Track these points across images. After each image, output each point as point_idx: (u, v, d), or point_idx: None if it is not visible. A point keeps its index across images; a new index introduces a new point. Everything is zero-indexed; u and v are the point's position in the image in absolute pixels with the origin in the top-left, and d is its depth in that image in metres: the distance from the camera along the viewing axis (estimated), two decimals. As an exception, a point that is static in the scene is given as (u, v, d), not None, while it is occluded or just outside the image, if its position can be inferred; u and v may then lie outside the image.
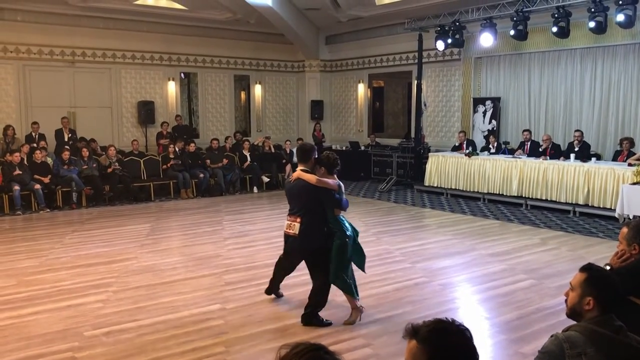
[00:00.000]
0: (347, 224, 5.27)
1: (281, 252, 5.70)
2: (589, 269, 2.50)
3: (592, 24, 10.36)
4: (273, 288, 5.82)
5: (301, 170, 5.22)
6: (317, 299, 5.18)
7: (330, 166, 5.23)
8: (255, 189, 13.91)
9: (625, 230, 3.24)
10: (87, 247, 8.14)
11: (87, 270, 6.92)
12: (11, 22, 13.10)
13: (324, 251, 5.14)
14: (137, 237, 8.77)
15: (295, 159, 12.93)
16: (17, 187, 10.84)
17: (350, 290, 5.20)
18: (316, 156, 5.30)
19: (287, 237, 5.31)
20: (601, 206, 10.01)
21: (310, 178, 5.12)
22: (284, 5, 13.74)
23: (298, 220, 5.16)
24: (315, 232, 5.15)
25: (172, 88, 15.65)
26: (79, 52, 14.13)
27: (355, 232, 5.40)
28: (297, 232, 5.16)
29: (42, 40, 13.54)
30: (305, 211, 5.15)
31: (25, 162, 11.52)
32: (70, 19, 13.67)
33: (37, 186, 11.08)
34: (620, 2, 9.83)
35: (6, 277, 6.62)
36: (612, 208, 9.56)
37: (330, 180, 5.19)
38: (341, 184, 5.33)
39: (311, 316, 5.14)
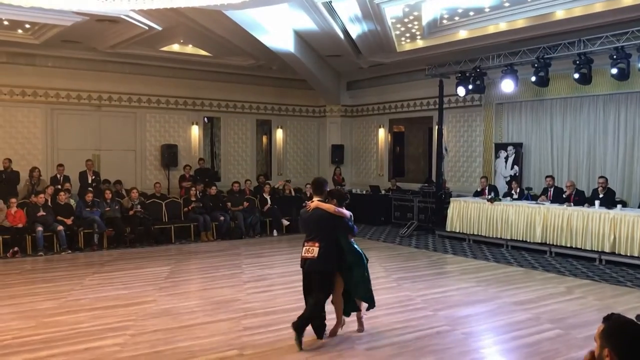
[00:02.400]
0: (357, 247, 6.02)
1: (301, 296, 6.09)
2: (608, 319, 2.34)
3: (614, 71, 10.34)
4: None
5: (318, 201, 5.88)
6: (312, 310, 5.72)
7: (341, 199, 6.00)
8: (275, 232, 13.88)
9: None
10: (106, 289, 8.13)
11: (105, 313, 6.88)
12: (42, 68, 13.55)
13: (333, 274, 5.85)
14: (156, 280, 8.74)
15: None
16: (40, 228, 10.96)
17: (371, 298, 5.99)
18: (328, 189, 6.07)
19: (306, 260, 5.85)
20: (628, 254, 9.75)
21: (329, 207, 5.80)
22: (306, 52, 13.98)
23: (317, 244, 5.76)
24: (332, 255, 5.79)
25: (195, 132, 15.90)
26: (105, 96, 14.49)
27: (366, 258, 6.03)
28: (316, 255, 5.73)
29: (70, 85, 13.94)
30: (322, 236, 5.78)
31: (50, 204, 11.68)
32: (98, 64, 14.08)
33: (60, 227, 11.20)
34: (643, 49, 9.83)
35: (25, 319, 6.61)
36: (640, 256, 9.32)
37: (344, 210, 5.91)
38: (351, 213, 6.03)
39: (302, 324, 5.62)
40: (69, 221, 11.53)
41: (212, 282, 8.67)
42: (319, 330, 5.84)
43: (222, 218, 13.11)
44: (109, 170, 14.10)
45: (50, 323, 6.44)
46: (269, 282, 8.64)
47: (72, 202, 12.19)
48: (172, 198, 13.81)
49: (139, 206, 12.51)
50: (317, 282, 5.80)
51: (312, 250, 5.75)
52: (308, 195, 14.73)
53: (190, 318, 6.68)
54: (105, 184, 13.30)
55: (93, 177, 13.40)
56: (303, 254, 5.84)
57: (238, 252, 11.34)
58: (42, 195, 11.48)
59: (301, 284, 6.01)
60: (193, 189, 13.48)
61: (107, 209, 12.11)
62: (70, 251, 11.21)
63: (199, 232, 12.91)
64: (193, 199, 13.30)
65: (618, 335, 2.24)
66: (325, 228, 5.78)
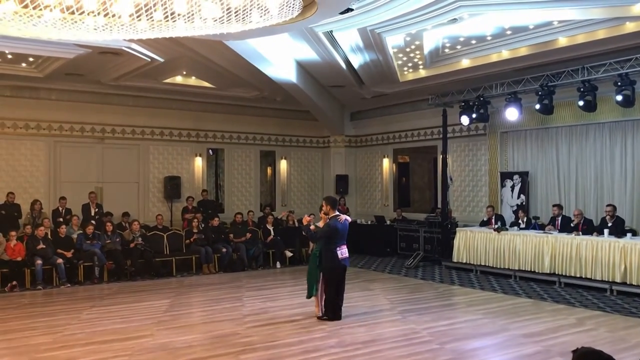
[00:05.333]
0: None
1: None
2: (574, 351, 2.50)
3: (619, 98, 10.25)
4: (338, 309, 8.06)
5: (339, 213, 8.04)
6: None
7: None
8: (278, 264, 13.66)
9: None
10: (104, 323, 7.94)
11: (100, 348, 6.68)
12: (45, 101, 13.57)
13: None
14: (155, 314, 8.54)
15: None
16: (39, 262, 10.82)
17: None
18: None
19: (341, 260, 7.86)
20: (640, 284, 9.49)
21: (348, 218, 8.23)
22: (309, 83, 13.99)
23: (345, 247, 7.94)
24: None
25: (199, 163, 15.84)
26: (108, 128, 14.49)
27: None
28: (346, 255, 7.96)
29: (74, 118, 13.96)
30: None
31: (50, 237, 11.56)
32: (101, 97, 14.10)
33: (60, 260, 11.05)
34: (647, 75, 9.74)
35: (17, 355, 6.42)
36: (653, 286, 9.05)
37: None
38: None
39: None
40: (69, 254, 11.39)
41: (212, 316, 8.46)
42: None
43: (224, 250, 12.93)
44: (112, 203, 13.99)
45: (42, 359, 6.25)
46: (271, 316, 8.42)
47: (73, 234, 12.06)
48: (174, 230, 13.67)
49: (140, 238, 12.37)
50: (342, 278, 8.07)
51: (345, 252, 7.89)
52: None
53: (187, 353, 6.47)
54: (107, 217, 13.21)
55: (96, 210, 13.32)
56: (342, 255, 7.85)
57: (240, 285, 11.13)
58: (42, 228, 11.37)
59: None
60: (195, 220, 13.34)
61: (108, 241, 11.98)
62: (69, 285, 11.04)
63: (201, 264, 12.72)
64: (195, 230, 13.15)
65: None
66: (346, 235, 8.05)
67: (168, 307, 9.07)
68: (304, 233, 8.40)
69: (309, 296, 8.24)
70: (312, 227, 8.02)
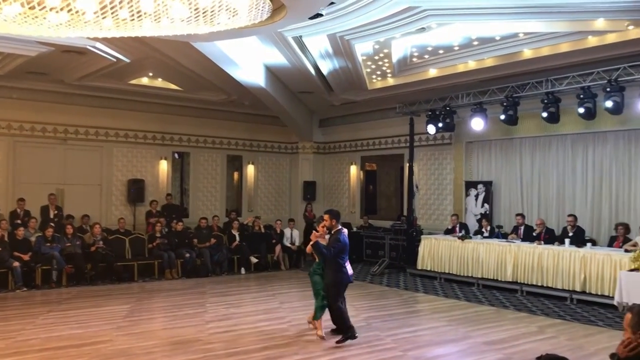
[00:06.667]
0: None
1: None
2: (539, 358, 2.60)
3: (581, 110, 10.47)
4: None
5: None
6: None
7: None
8: (242, 270, 13.50)
9: (629, 316, 2.97)
10: (60, 329, 7.70)
11: (55, 354, 6.48)
12: (5, 100, 13.14)
13: None
14: (114, 319, 8.32)
15: (291, 239, 14.64)
16: (-6, 265, 10.47)
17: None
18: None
19: (350, 276, 7.32)
20: (599, 293, 9.67)
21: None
22: (278, 88, 13.93)
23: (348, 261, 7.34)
24: None
25: (164, 167, 15.59)
26: (71, 129, 14.14)
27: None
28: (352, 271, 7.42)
29: (35, 117, 13.57)
30: None
31: (6, 239, 11.20)
32: (64, 97, 13.74)
33: (16, 264, 10.71)
34: (609, 89, 9.97)
35: (-33, 361, 6.17)
36: (611, 295, 9.22)
37: None
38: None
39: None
40: (26, 257, 11.04)
41: (173, 322, 8.28)
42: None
43: (187, 255, 12.72)
44: (73, 205, 13.65)
45: (-7, 365, 6.02)
46: (234, 322, 8.29)
47: (31, 237, 11.70)
48: (136, 234, 13.41)
49: (101, 242, 12.08)
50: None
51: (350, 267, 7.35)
52: (278, 232, 14.54)
53: (147, 359, 6.31)
54: (68, 219, 12.87)
55: (56, 212, 12.98)
56: (351, 270, 7.33)
57: (203, 291, 10.95)
58: (-3, 230, 11.03)
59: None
60: (158, 224, 13.11)
61: (68, 244, 11.67)
62: (26, 289, 10.69)
63: (163, 269, 12.48)
64: (158, 235, 12.92)
65: None
66: None
67: (128, 312, 8.86)
68: (313, 251, 7.36)
69: (317, 317, 7.48)
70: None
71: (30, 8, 4.97)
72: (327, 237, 7.34)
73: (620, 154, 11.09)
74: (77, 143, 14.25)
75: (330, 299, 7.26)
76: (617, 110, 10.02)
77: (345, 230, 7.40)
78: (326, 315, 7.40)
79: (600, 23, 9.01)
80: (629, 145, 10.97)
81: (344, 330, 7.17)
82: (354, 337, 7.09)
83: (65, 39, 8.66)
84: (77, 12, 5.21)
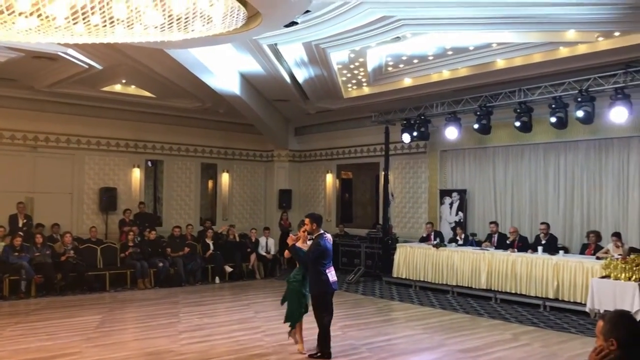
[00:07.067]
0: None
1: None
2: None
3: (553, 120, 10.62)
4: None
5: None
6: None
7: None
8: (217, 280, 13.36)
9: (601, 323, 2.98)
10: (28, 340, 7.50)
11: (23, 367, 6.30)
12: (-27, 106, 12.86)
13: None
14: (84, 330, 8.14)
15: (266, 248, 14.49)
16: (-41, 275, 10.17)
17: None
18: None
19: (332, 284, 6.94)
20: (571, 300, 9.79)
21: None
22: (253, 95, 13.86)
23: (333, 268, 7.03)
24: None
25: (137, 175, 15.36)
26: (42, 137, 13.86)
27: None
28: (335, 278, 7.05)
29: (4, 124, 13.23)
30: None
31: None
32: (34, 104, 13.46)
33: (-18, 274, 10.43)
34: (580, 99, 10.14)
35: None
36: (583, 302, 9.35)
37: None
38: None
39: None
40: (-7, 267, 10.76)
41: (146, 332, 8.14)
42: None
43: (160, 264, 12.54)
44: (43, 214, 13.35)
45: (-43, 380, 5.82)
46: (207, 332, 8.18)
47: (-1, 246, 11.43)
48: (108, 243, 13.17)
49: (72, 251, 11.84)
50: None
51: (334, 274, 7.01)
52: (253, 240, 14.43)
53: (117, 372, 6.17)
54: (38, 228, 12.59)
55: (24, 221, 12.68)
56: (334, 278, 6.98)
57: (176, 300, 10.80)
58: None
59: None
60: (131, 233, 12.90)
61: (37, 254, 11.40)
62: (-8, 300, 10.43)
63: (136, 279, 12.28)
64: (130, 244, 12.71)
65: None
66: None
67: (99, 323, 8.68)
68: (291, 254, 7.20)
69: (291, 325, 7.25)
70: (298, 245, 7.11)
71: (-2, 12, 4.85)
72: (308, 242, 7.07)
73: (592, 163, 11.28)
74: (47, 151, 13.96)
75: (318, 314, 6.90)
76: (587, 119, 10.19)
77: (329, 235, 7.13)
78: (306, 324, 7.29)
79: (571, 34, 9.17)
80: (599, 154, 11.18)
81: (322, 350, 6.87)
82: (329, 358, 6.83)
83: (36, 45, 8.52)
84: (47, 17, 5.10)
